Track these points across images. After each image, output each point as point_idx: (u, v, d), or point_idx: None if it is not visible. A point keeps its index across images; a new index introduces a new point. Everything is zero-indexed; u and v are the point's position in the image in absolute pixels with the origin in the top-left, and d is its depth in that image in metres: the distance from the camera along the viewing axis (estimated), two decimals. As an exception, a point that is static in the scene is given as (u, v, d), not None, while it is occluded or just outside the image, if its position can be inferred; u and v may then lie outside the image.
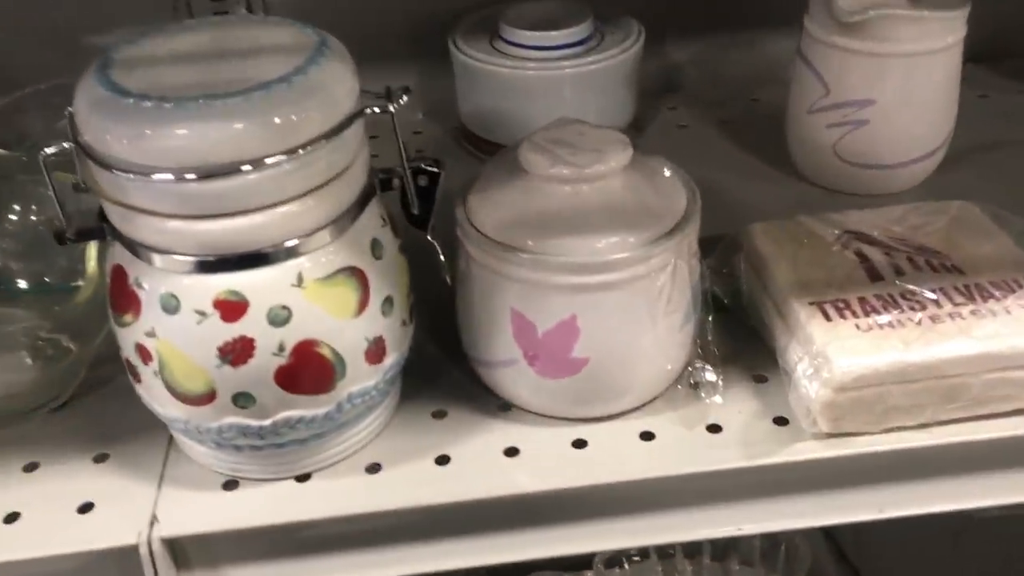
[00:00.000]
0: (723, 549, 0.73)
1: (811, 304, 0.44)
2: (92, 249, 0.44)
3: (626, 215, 0.41)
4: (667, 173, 0.44)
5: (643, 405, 0.44)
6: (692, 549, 0.73)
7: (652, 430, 0.43)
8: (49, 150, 0.37)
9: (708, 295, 0.45)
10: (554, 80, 0.61)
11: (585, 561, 0.71)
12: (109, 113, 0.35)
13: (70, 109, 0.37)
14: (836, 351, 0.41)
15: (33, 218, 0.51)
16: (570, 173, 0.41)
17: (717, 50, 0.71)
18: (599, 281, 0.40)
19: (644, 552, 0.71)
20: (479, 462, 0.42)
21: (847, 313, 0.43)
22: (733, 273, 0.49)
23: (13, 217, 0.51)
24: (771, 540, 0.73)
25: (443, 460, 0.42)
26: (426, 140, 0.68)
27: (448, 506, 0.41)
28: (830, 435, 0.42)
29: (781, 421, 0.43)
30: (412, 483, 0.41)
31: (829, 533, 0.77)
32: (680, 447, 0.42)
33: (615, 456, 0.42)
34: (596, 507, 0.42)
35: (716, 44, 0.71)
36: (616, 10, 0.65)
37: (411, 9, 0.67)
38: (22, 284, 0.49)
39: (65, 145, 0.36)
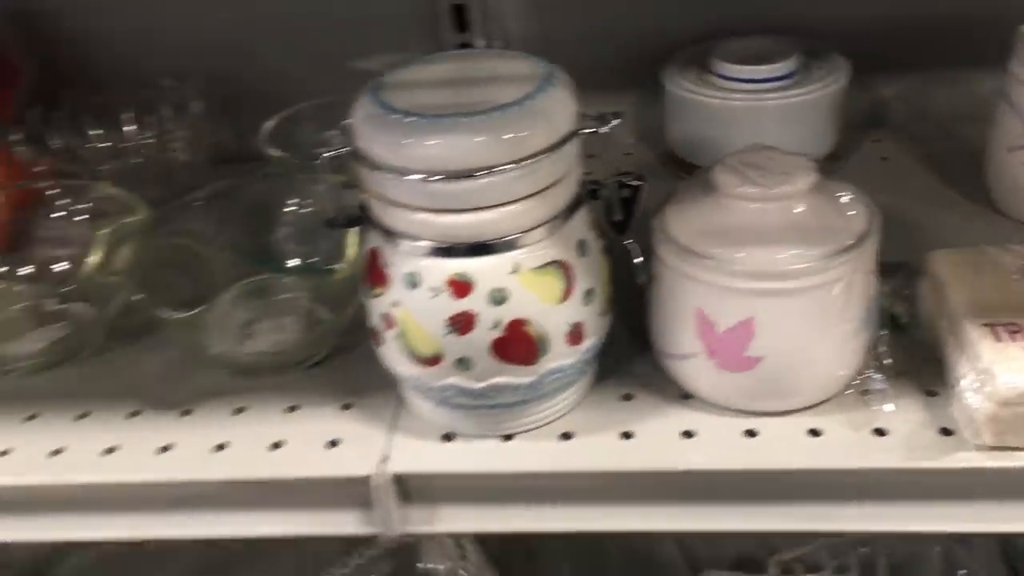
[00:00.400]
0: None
1: (983, 325, 0.46)
2: (353, 237, 0.53)
3: (806, 231, 0.45)
4: (850, 197, 0.48)
5: (813, 406, 0.49)
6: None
7: (820, 428, 0.47)
8: (328, 154, 0.46)
9: (887, 313, 0.48)
10: (758, 110, 0.66)
11: (758, 566, 0.75)
12: (378, 125, 0.43)
13: (347, 121, 0.46)
14: (1002, 368, 0.44)
15: (305, 210, 0.62)
16: (757, 192, 0.46)
17: (923, 86, 0.73)
18: (776, 288, 0.45)
19: (817, 566, 0.74)
20: (658, 440, 0.48)
21: (1018, 337, 0.46)
22: (913, 295, 0.52)
23: (290, 208, 0.62)
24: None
25: (627, 435, 0.49)
26: (636, 162, 0.74)
27: (628, 474, 0.47)
28: (994, 448, 0.45)
29: (946, 432, 0.46)
30: (598, 452, 0.48)
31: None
32: (845, 445, 0.46)
33: (782, 446, 0.47)
34: (760, 491, 0.47)
35: (923, 80, 0.73)
36: (824, 47, 0.69)
37: (628, 46, 0.74)
38: (294, 263, 0.60)
39: (341, 150, 0.46)
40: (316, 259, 0.60)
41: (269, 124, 0.69)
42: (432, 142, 0.42)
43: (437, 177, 0.42)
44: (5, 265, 0.63)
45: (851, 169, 0.70)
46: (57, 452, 0.52)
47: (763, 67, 0.66)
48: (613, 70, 0.75)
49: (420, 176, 0.42)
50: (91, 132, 0.75)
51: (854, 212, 0.47)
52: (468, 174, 0.42)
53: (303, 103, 0.73)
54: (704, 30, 0.72)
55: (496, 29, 0.76)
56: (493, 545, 0.85)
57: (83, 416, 0.54)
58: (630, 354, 0.53)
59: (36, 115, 0.73)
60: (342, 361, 0.56)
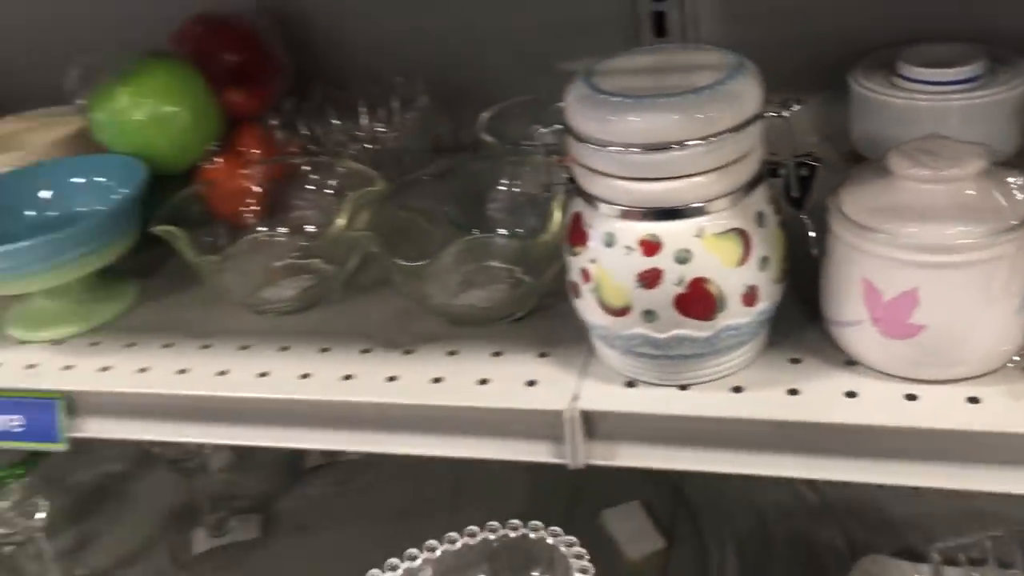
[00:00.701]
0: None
1: None
2: (557, 208, 0.61)
3: (973, 211, 0.49)
4: (1016, 182, 0.51)
5: (974, 377, 0.52)
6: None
7: (979, 396, 0.51)
8: (544, 130, 0.55)
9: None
10: (943, 110, 0.69)
11: (918, 555, 0.77)
12: (588, 104, 0.51)
13: (561, 104, 0.54)
14: None
15: (514, 188, 0.71)
16: (928, 174, 0.50)
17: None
18: (941, 261, 0.49)
19: (983, 559, 0.75)
20: (822, 397, 0.53)
21: None
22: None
23: (501, 188, 0.71)
24: None
25: (793, 392, 0.54)
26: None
27: (792, 423, 0.52)
28: None
29: (1107, 408, 0.49)
30: (766, 404, 0.53)
31: None
32: (1004, 411, 0.50)
33: (941, 410, 0.51)
34: (916, 449, 0.51)
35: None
36: (1010, 51, 0.71)
37: (816, 49, 0.79)
38: (502, 233, 0.69)
39: (555, 128, 0.54)
40: (520, 231, 0.68)
41: (485, 115, 0.79)
42: (633, 118, 0.49)
43: (635, 149, 0.50)
44: (265, 226, 0.75)
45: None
46: (305, 376, 0.62)
47: (949, 70, 0.70)
48: (801, 72, 0.79)
49: (619, 148, 0.50)
50: (334, 122, 0.87)
51: (1021, 195, 0.51)
52: (663, 147, 0.49)
53: (513, 99, 0.82)
54: (891, 36, 0.75)
55: (693, 34, 0.83)
56: (663, 524, 0.92)
57: (325, 350, 0.65)
58: (801, 322, 0.58)
59: (290, 105, 0.85)
60: (541, 318, 0.64)
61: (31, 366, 0.68)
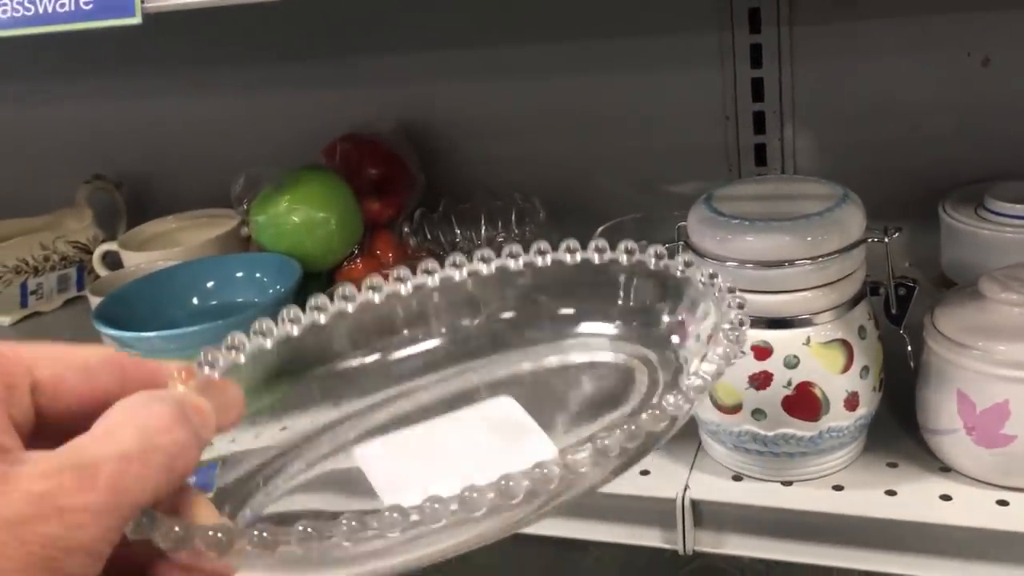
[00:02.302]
0: None
1: None
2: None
3: (1059, 333, 0.55)
4: (1102, 309, 0.57)
5: (1064, 486, 0.56)
6: None
7: (1068, 504, 0.55)
8: (659, 247, 0.62)
9: None
10: (1027, 243, 0.75)
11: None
12: (709, 225, 0.58)
13: (683, 223, 0.61)
14: None
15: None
16: (1017, 299, 0.56)
17: None
18: (1029, 376, 0.54)
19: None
20: (918, 499, 0.58)
21: None
22: None
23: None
24: None
25: (891, 493, 0.59)
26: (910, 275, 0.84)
27: (889, 522, 0.57)
28: None
29: None
30: (865, 502, 0.58)
31: None
32: (1090, 520, 0.54)
33: (1031, 515, 0.55)
34: (1009, 552, 0.55)
35: None
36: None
37: (908, 181, 0.86)
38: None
39: (676, 243, 0.61)
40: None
41: (599, 229, 0.87)
42: (748, 239, 0.56)
43: (749, 266, 0.56)
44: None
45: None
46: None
47: (1034, 206, 0.76)
48: (894, 202, 0.86)
49: (735, 263, 0.57)
50: (457, 231, 0.96)
51: (1106, 322, 0.56)
52: (774, 265, 0.56)
53: (622, 217, 0.90)
54: (978, 172, 0.82)
55: (790, 165, 0.90)
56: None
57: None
58: (897, 431, 0.63)
59: (420, 215, 0.95)
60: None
61: (189, 437, 0.76)
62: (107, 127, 1.15)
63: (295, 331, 0.44)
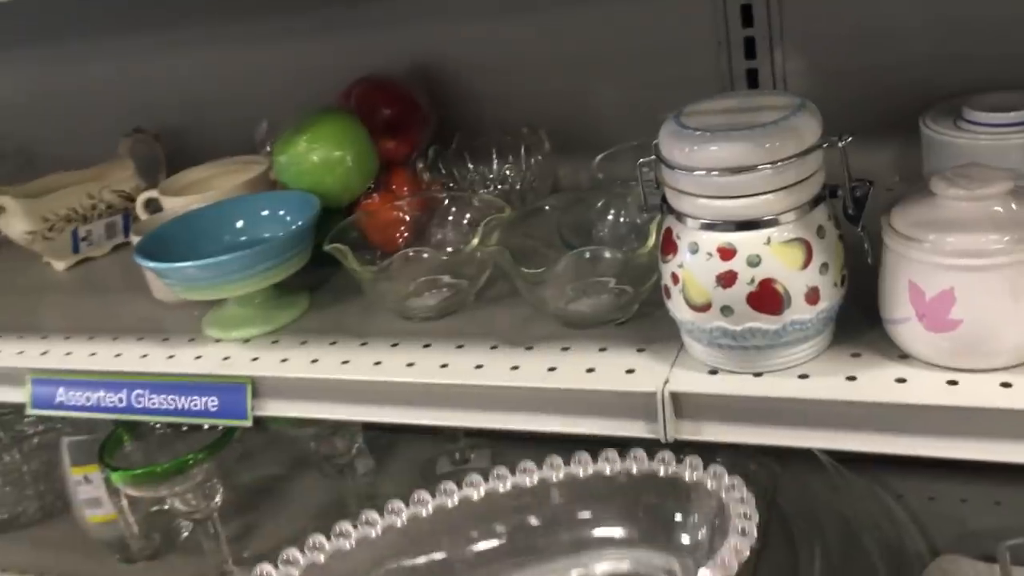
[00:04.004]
0: None
1: None
2: (653, 228, 0.73)
3: (1001, 223, 0.59)
4: (1046, 200, 0.61)
5: (1009, 367, 0.61)
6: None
7: (1011, 381, 0.60)
8: (642, 160, 0.67)
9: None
10: (1001, 148, 0.78)
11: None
12: (676, 138, 0.64)
13: (656, 140, 0.67)
14: None
15: (620, 218, 0.84)
16: (963, 193, 0.60)
17: None
18: (972, 264, 0.59)
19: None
20: (877, 382, 0.63)
21: None
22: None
23: (608, 217, 0.84)
24: None
25: (852, 378, 0.64)
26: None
27: (848, 402, 0.62)
28: None
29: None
30: (828, 387, 0.63)
31: None
32: (1030, 394, 0.59)
33: (977, 392, 0.60)
34: (955, 427, 0.60)
35: None
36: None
37: (894, 100, 0.89)
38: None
39: (651, 159, 0.66)
40: (624, 248, 0.80)
41: (598, 158, 0.92)
42: (711, 148, 0.62)
43: (713, 173, 0.62)
44: (412, 249, 0.90)
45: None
46: (444, 366, 0.76)
47: (1011, 114, 0.79)
48: (881, 120, 0.90)
49: (701, 172, 0.62)
50: (470, 165, 1.02)
51: (1047, 211, 0.60)
52: (735, 171, 0.61)
53: (621, 144, 0.95)
54: (958, 86, 0.85)
55: (782, 87, 0.94)
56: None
57: (460, 347, 0.78)
58: (863, 324, 0.68)
59: (433, 151, 1.01)
60: (640, 322, 0.76)
61: (225, 358, 0.84)
62: (144, 83, 1.23)
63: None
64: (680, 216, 0.65)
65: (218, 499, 1.04)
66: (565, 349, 0.75)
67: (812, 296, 0.63)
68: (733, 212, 0.62)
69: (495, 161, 1.03)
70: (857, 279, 0.67)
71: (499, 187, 0.99)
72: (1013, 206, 0.60)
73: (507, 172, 1.00)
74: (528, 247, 0.83)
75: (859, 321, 0.68)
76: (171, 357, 0.87)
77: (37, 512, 1.26)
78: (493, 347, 0.77)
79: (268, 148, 0.95)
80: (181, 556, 1.16)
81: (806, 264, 0.63)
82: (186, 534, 1.18)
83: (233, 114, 1.10)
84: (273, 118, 1.01)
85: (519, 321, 0.80)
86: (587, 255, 0.75)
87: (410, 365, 0.77)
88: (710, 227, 0.63)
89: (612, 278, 0.77)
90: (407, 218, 0.92)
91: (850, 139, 0.62)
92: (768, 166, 0.61)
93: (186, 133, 1.23)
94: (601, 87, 1.02)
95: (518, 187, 0.99)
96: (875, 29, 0.89)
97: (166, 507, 1.05)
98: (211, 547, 1.07)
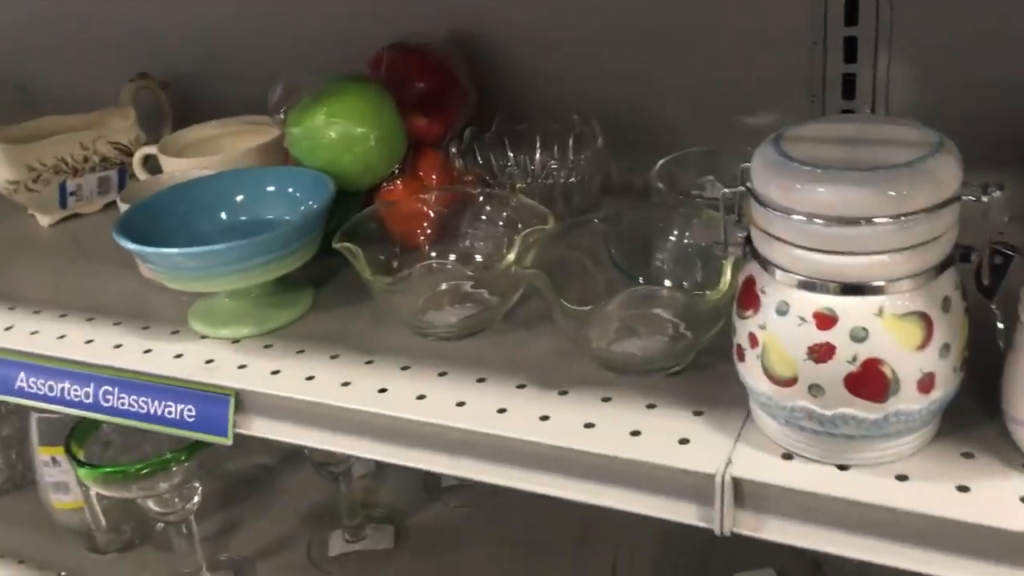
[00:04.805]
0: None
1: None
2: (728, 266, 0.60)
3: None
4: None
5: None
6: None
7: None
8: (727, 191, 0.54)
9: None
10: None
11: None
12: (776, 170, 0.50)
13: (746, 164, 0.53)
14: None
15: (684, 240, 0.71)
16: None
17: None
18: None
19: None
20: (995, 498, 0.50)
21: None
22: None
23: (671, 238, 0.71)
24: None
25: (963, 489, 0.51)
26: (1008, 240, 0.75)
27: (959, 523, 0.49)
28: None
29: None
30: (932, 497, 0.51)
31: None
32: None
33: None
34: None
35: None
36: None
37: (1012, 124, 0.75)
38: (667, 284, 0.69)
39: (740, 189, 0.53)
40: (686, 284, 0.68)
41: (660, 162, 0.79)
42: (820, 189, 0.48)
43: (818, 221, 0.49)
44: (436, 250, 0.78)
45: None
46: (460, 404, 0.64)
47: None
48: (994, 146, 0.76)
49: (803, 218, 0.49)
50: (510, 154, 0.89)
51: None
52: (849, 222, 0.48)
53: (689, 149, 0.82)
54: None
55: (882, 100, 0.80)
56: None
57: (481, 380, 0.66)
58: (977, 416, 0.55)
59: (470, 135, 0.88)
60: (698, 375, 0.64)
61: (209, 361, 0.73)
62: (155, 23, 1.10)
63: None
64: (768, 265, 0.52)
65: (196, 499, 0.93)
66: (606, 400, 0.62)
67: (926, 383, 0.51)
68: (839, 271, 0.49)
69: (539, 151, 0.90)
70: (975, 360, 0.54)
71: (542, 181, 0.86)
72: None
73: (552, 165, 0.87)
74: (571, 261, 0.71)
75: (972, 409, 0.56)
76: (148, 352, 0.75)
77: (6, 483, 1.16)
78: (520, 386, 0.65)
79: (281, 115, 0.82)
80: (154, 550, 1.06)
81: (924, 344, 0.50)
82: (162, 526, 1.07)
83: (250, 68, 0.97)
84: (291, 79, 0.88)
85: (553, 354, 0.68)
86: (642, 291, 0.63)
87: (421, 398, 0.65)
88: (807, 286, 0.50)
89: (669, 318, 0.65)
90: (433, 213, 0.79)
91: (998, 192, 0.49)
92: (890, 220, 0.48)
93: (197, 83, 1.10)
94: (669, 76, 0.88)
95: (562, 183, 0.86)
96: (1007, 38, 0.74)
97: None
98: (184, 548, 0.96)
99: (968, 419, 0.55)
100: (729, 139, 0.83)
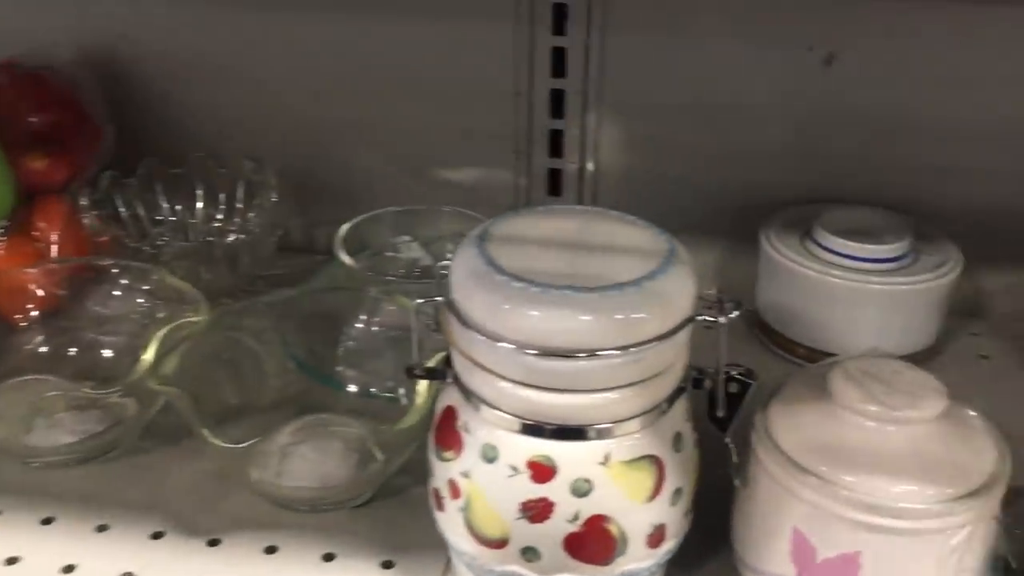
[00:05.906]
0: None
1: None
2: (423, 385, 0.49)
3: (929, 465, 0.41)
4: (978, 427, 0.43)
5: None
6: None
7: None
8: (420, 302, 0.43)
9: (1002, 559, 0.43)
10: (861, 293, 0.62)
11: None
12: (481, 283, 0.40)
13: (447, 271, 0.42)
14: None
15: (374, 329, 0.59)
16: (879, 411, 0.42)
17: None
18: (889, 525, 0.40)
19: None
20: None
21: None
22: (1027, 535, 0.47)
23: (358, 325, 0.59)
24: None
25: (696, 656, 0.43)
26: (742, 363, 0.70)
27: None
28: None
29: None
30: (662, 671, 0.43)
31: None
32: None
33: None
34: None
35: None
36: (937, 230, 0.65)
37: (730, 193, 0.71)
38: (351, 388, 0.56)
39: (436, 300, 0.42)
40: (374, 389, 0.56)
41: (344, 227, 0.66)
42: (533, 312, 0.38)
43: (531, 351, 0.38)
44: (51, 339, 0.60)
45: (948, 365, 0.65)
46: (69, 569, 0.47)
47: (871, 245, 0.62)
48: (710, 217, 0.71)
49: (512, 346, 0.38)
50: (163, 205, 0.72)
51: (983, 446, 0.42)
52: (566, 354, 0.38)
53: (380, 209, 0.70)
54: (811, 192, 0.69)
55: (591, 157, 0.73)
56: None
57: (103, 529, 0.50)
58: (705, 560, 0.48)
59: (108, 180, 0.70)
60: (388, 507, 0.52)
61: None
62: None
63: None
64: (471, 397, 0.41)
65: None
66: (270, 551, 0.49)
67: (657, 536, 0.42)
68: (557, 412, 0.40)
69: (200, 202, 0.74)
70: (704, 494, 0.46)
71: (203, 239, 0.71)
72: (945, 435, 0.42)
73: (216, 219, 0.71)
74: (233, 345, 0.57)
75: (703, 554, 0.48)
76: None
77: None
78: (156, 535, 0.49)
79: None
80: None
81: (655, 493, 0.41)
82: None
83: None
84: None
85: (204, 484, 0.53)
86: (312, 422, 0.50)
87: (11, 562, 0.48)
88: (521, 428, 0.40)
89: (361, 439, 0.53)
90: (43, 293, 0.61)
91: (737, 312, 0.42)
92: (617, 352, 0.38)
93: None
94: (360, 121, 0.75)
95: (229, 241, 0.70)
96: (716, 102, 0.69)
97: None
98: None
99: (696, 562, 0.48)
100: (427, 196, 0.72)
